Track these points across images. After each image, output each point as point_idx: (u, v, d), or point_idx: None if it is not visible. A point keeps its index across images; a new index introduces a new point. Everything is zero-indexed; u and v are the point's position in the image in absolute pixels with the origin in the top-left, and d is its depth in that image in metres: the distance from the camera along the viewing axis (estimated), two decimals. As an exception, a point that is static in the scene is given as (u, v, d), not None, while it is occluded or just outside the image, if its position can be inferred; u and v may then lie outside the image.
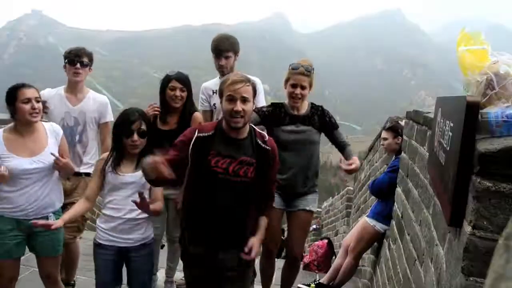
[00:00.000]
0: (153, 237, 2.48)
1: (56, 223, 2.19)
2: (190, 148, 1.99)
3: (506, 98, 1.21)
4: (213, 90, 3.18)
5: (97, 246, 2.35)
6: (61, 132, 2.62)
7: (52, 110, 3.09)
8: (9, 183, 2.39)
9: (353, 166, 2.72)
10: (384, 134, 3.48)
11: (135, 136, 2.27)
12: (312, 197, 2.92)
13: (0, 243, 2.40)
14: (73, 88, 3.14)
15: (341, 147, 2.94)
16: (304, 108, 2.83)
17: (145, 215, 2.36)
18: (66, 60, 3.08)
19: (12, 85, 2.45)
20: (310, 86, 2.72)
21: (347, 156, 2.85)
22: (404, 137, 2.97)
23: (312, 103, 2.89)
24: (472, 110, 1.15)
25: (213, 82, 3.25)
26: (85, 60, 3.09)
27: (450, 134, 1.32)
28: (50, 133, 2.54)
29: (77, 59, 3.04)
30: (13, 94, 2.37)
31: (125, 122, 2.30)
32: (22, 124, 2.43)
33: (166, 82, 2.94)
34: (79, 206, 2.35)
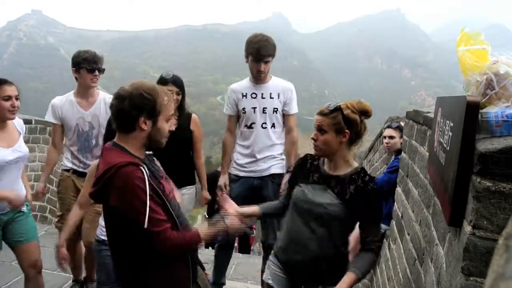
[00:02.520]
0: None
1: (61, 249, 2.30)
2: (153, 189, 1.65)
3: (506, 98, 1.21)
4: (242, 94, 3.05)
5: (99, 242, 2.38)
6: (24, 126, 2.70)
7: (65, 117, 3.11)
8: None
9: None
10: (391, 133, 3.48)
11: None
12: None
13: None
14: (85, 93, 3.12)
15: (361, 245, 1.93)
16: (342, 168, 1.95)
17: None
18: (81, 66, 2.99)
19: None
20: (338, 131, 1.87)
21: (349, 266, 1.91)
22: (404, 137, 2.97)
23: (361, 167, 1.97)
24: (472, 110, 1.15)
25: (242, 85, 3.12)
26: (101, 65, 3.08)
27: (450, 134, 1.32)
28: (18, 126, 2.62)
29: (94, 66, 3.01)
30: None
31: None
32: None
33: (162, 85, 2.91)
34: (73, 218, 2.38)
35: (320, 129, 1.89)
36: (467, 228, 1.13)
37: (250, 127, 3.07)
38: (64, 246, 2.32)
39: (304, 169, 2.03)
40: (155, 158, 1.88)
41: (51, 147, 3.27)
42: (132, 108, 1.61)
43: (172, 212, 1.67)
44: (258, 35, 3.01)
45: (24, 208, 2.60)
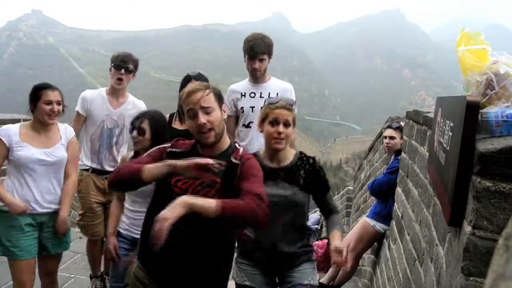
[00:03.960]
0: None
1: (110, 241, 2.44)
2: None
3: (506, 98, 1.22)
4: (241, 93, 3.07)
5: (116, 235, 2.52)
6: (72, 134, 2.72)
7: (93, 111, 3.18)
8: (24, 176, 2.48)
9: (338, 258, 1.94)
10: (392, 133, 3.47)
11: (134, 133, 2.39)
12: (309, 266, 2.14)
13: (20, 240, 2.44)
14: (116, 91, 3.22)
15: (327, 213, 2.19)
16: (288, 157, 2.10)
17: None
18: (112, 64, 3.15)
19: (39, 83, 2.58)
20: (294, 124, 2.06)
21: (329, 226, 2.13)
22: (404, 137, 2.97)
23: (301, 152, 2.17)
24: (472, 110, 1.15)
25: (242, 85, 3.13)
26: (130, 66, 3.17)
27: (450, 134, 1.32)
28: (62, 133, 2.66)
29: (123, 64, 3.12)
30: (38, 94, 2.49)
31: (132, 121, 2.47)
32: (39, 122, 2.54)
33: (185, 81, 2.94)
34: (117, 211, 2.53)
35: (286, 123, 2.00)
36: (467, 228, 1.13)
37: (248, 126, 3.07)
38: (115, 235, 2.45)
39: None
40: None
41: None
42: None
43: None
44: (254, 34, 3.01)
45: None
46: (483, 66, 1.26)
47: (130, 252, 2.47)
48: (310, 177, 2.07)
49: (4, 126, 2.53)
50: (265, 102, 2.11)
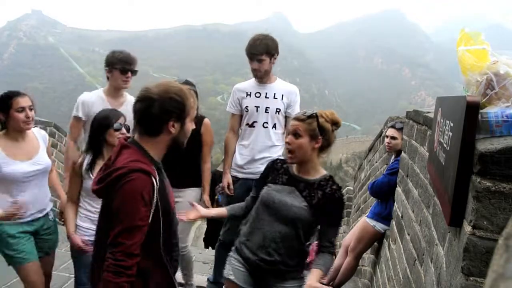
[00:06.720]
0: None
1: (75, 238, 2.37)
2: None
3: (506, 98, 1.22)
4: (247, 92, 3.09)
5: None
6: (47, 136, 2.70)
7: (95, 114, 3.10)
8: (13, 190, 2.41)
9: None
10: (394, 133, 3.47)
11: (123, 130, 2.40)
12: (296, 284, 2.02)
13: (21, 246, 2.43)
14: (115, 93, 3.11)
15: (322, 248, 1.98)
16: (312, 173, 2.00)
17: None
18: (114, 67, 2.98)
19: (5, 92, 2.47)
20: (312, 137, 1.91)
21: (315, 263, 1.94)
22: (404, 137, 2.97)
23: (331, 176, 2.03)
24: (472, 110, 1.15)
25: (247, 84, 3.15)
26: (134, 67, 3.06)
27: (450, 134, 1.32)
28: (39, 137, 2.62)
29: (127, 67, 3.00)
30: (7, 103, 2.39)
31: (109, 118, 2.44)
32: (15, 131, 2.45)
33: None
34: (72, 213, 2.43)
35: (295, 134, 1.92)
36: (467, 228, 1.13)
37: (251, 125, 3.08)
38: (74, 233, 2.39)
39: (274, 171, 2.08)
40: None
41: (72, 143, 3.20)
42: (162, 112, 1.54)
43: (161, 230, 1.59)
44: (256, 35, 3.00)
45: (51, 217, 2.65)
46: (483, 66, 1.26)
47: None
48: (326, 201, 1.93)
49: None
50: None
